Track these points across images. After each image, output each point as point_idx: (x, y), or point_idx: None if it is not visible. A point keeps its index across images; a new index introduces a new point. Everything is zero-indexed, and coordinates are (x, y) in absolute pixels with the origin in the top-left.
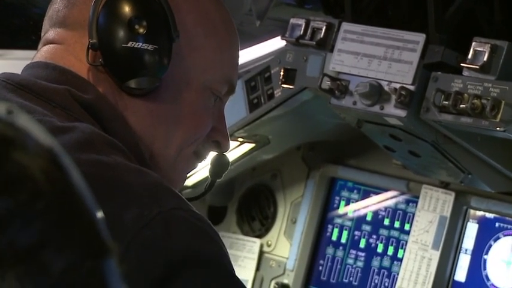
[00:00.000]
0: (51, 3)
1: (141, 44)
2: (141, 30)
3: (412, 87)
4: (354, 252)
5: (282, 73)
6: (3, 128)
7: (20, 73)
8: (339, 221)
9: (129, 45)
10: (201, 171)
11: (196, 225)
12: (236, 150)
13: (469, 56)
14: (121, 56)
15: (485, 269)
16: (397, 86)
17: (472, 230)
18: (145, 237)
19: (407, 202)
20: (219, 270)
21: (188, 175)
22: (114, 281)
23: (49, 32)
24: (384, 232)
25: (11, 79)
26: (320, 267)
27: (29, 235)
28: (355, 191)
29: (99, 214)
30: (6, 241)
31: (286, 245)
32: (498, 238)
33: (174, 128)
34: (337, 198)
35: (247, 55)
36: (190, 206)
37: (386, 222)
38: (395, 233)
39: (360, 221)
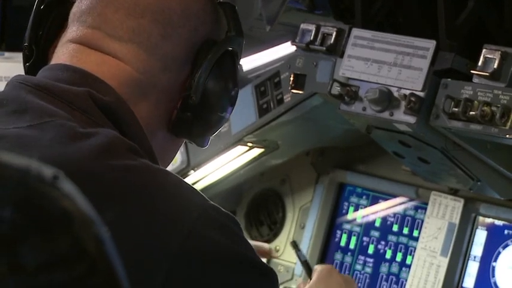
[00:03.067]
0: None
1: (228, 114)
2: (233, 103)
3: (421, 94)
4: (362, 258)
5: (291, 78)
6: (65, 202)
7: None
8: (347, 226)
9: (222, 115)
10: (212, 174)
11: (230, 223)
12: (245, 155)
13: (479, 63)
14: (209, 121)
15: (493, 276)
16: (407, 92)
17: (480, 237)
18: (193, 250)
19: (416, 208)
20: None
21: (197, 180)
22: None
23: (92, 35)
24: (392, 238)
25: (29, 81)
26: None
27: None
28: (364, 197)
29: None
30: None
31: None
32: (507, 245)
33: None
34: (346, 203)
35: (257, 60)
36: (216, 205)
37: (395, 228)
38: (403, 240)
39: (368, 227)
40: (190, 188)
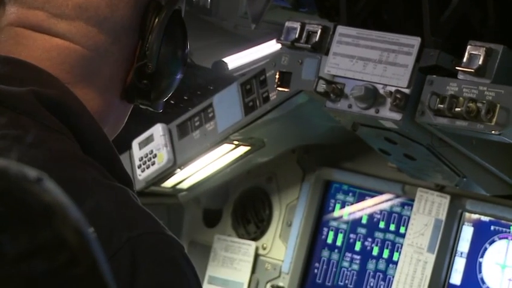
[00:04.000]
0: None
1: (181, 75)
2: (185, 62)
3: (407, 91)
4: (349, 255)
5: (277, 76)
6: (45, 196)
7: None
8: (334, 224)
9: (178, 76)
10: (196, 174)
11: (166, 254)
12: (231, 153)
13: (464, 59)
14: (167, 86)
15: (480, 272)
16: (393, 89)
17: (467, 233)
18: (112, 271)
19: (402, 205)
20: None
21: (184, 178)
22: None
23: (36, 16)
24: (379, 235)
25: None
26: (315, 270)
27: None
28: (350, 194)
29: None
30: None
31: (281, 247)
32: (493, 241)
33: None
34: (333, 201)
35: (242, 58)
36: (163, 227)
37: (382, 225)
38: (390, 236)
39: (355, 224)
40: (135, 210)
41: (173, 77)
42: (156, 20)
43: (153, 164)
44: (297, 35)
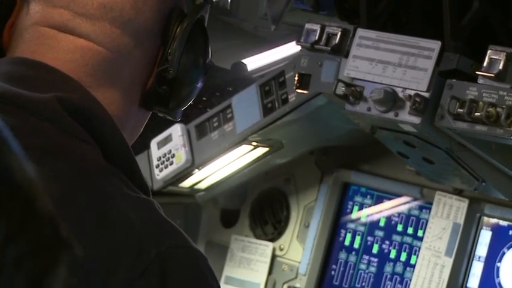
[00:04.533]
0: None
1: (201, 84)
2: (206, 71)
3: (426, 94)
4: (366, 257)
5: (296, 78)
6: None
7: None
8: (352, 226)
9: (197, 85)
10: (214, 175)
11: (193, 268)
12: (250, 154)
13: (484, 64)
14: (186, 94)
15: (498, 276)
16: (412, 92)
17: (485, 237)
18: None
19: (420, 208)
20: None
21: (202, 178)
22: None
23: (61, 16)
24: (397, 238)
25: None
26: (332, 272)
27: None
28: (368, 196)
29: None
30: None
31: (298, 249)
32: None
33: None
34: (351, 203)
35: (262, 60)
36: (188, 240)
37: (400, 228)
38: (408, 239)
39: (373, 226)
40: (161, 223)
41: (193, 85)
42: (179, 27)
43: (171, 164)
44: (316, 37)
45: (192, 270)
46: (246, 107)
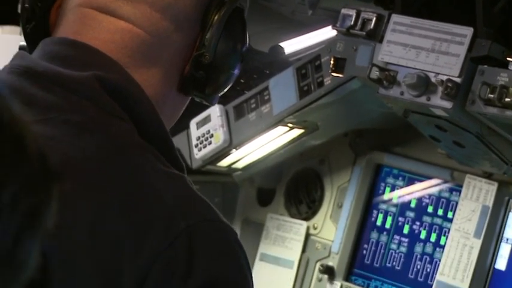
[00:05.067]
0: None
1: (237, 71)
2: (242, 59)
3: (458, 80)
4: (397, 237)
5: (332, 62)
6: None
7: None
8: (383, 206)
9: (233, 72)
10: (251, 155)
11: (222, 242)
12: (285, 135)
13: None
14: (222, 79)
15: None
16: (444, 78)
17: None
18: (168, 259)
19: (450, 191)
20: None
21: (239, 158)
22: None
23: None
24: (427, 219)
25: (33, 69)
26: (364, 251)
27: None
28: (400, 178)
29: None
30: None
31: (331, 228)
32: None
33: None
34: (383, 184)
35: (298, 43)
36: (218, 214)
37: (430, 209)
38: (438, 221)
39: (404, 207)
40: (192, 197)
41: (229, 71)
42: (218, 14)
43: (210, 143)
44: (352, 22)
45: (220, 244)
46: (282, 89)
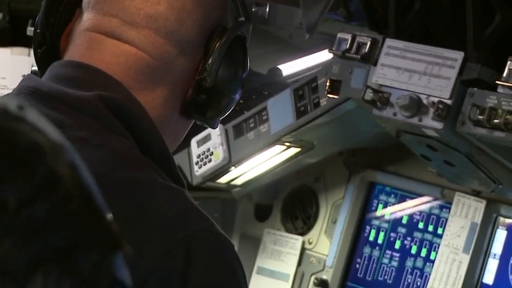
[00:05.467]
0: None
1: (238, 96)
2: (243, 85)
3: (449, 102)
4: (389, 252)
5: (328, 84)
6: (34, 134)
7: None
8: (376, 222)
9: (234, 96)
10: (249, 172)
11: (219, 253)
12: (283, 153)
13: (504, 74)
14: (223, 104)
15: None
16: (435, 99)
17: (501, 236)
18: (166, 269)
19: (441, 208)
20: None
21: (238, 175)
22: (123, 272)
23: (110, 23)
24: (418, 235)
25: (39, 89)
26: (357, 265)
27: (63, 236)
28: (392, 195)
29: (110, 215)
30: (42, 242)
31: (326, 243)
32: None
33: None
34: (376, 201)
35: (296, 66)
36: (216, 226)
37: (421, 225)
38: (428, 236)
39: (396, 223)
40: (190, 209)
41: (229, 96)
42: (219, 41)
43: (210, 161)
44: (347, 46)
45: (217, 255)
46: (280, 109)
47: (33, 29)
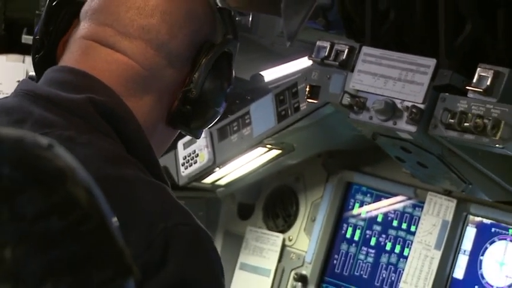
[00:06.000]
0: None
1: (222, 109)
2: (227, 99)
3: (422, 106)
4: (365, 249)
5: (307, 89)
6: (58, 162)
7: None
8: (353, 220)
9: (218, 109)
10: (235, 172)
11: (197, 245)
12: (264, 155)
13: (474, 80)
14: (207, 115)
15: (481, 268)
16: (409, 104)
17: (470, 233)
18: (145, 258)
19: (414, 206)
20: None
21: (222, 176)
22: None
23: (104, 32)
24: (392, 232)
25: (33, 91)
26: (335, 261)
27: (75, 252)
28: (368, 195)
29: (123, 241)
30: (56, 254)
31: (305, 240)
32: (493, 241)
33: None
34: (352, 200)
35: (277, 72)
36: (196, 220)
37: (395, 223)
38: (402, 234)
39: (371, 221)
40: (171, 203)
41: (213, 108)
42: (209, 55)
43: (195, 162)
44: (326, 53)
45: (194, 247)
46: (262, 113)
47: (28, 36)
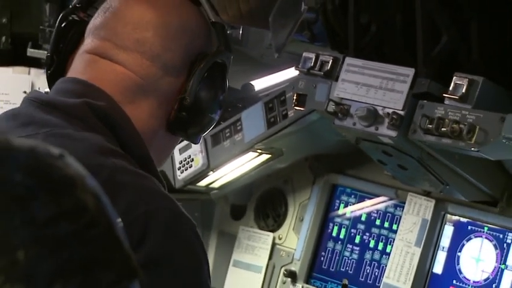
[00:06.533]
0: (113, 13)
1: (217, 116)
2: (221, 106)
3: (402, 112)
4: (350, 246)
5: (295, 97)
6: (69, 170)
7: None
8: (338, 220)
9: (212, 116)
10: (228, 175)
11: (176, 230)
12: (255, 160)
13: (451, 88)
14: (202, 122)
15: (458, 263)
16: (390, 111)
17: (448, 231)
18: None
19: (395, 206)
20: (185, 281)
21: (216, 179)
22: None
23: (104, 46)
24: (375, 231)
25: (38, 98)
26: (322, 258)
27: (83, 255)
28: (352, 196)
29: (128, 244)
30: (66, 256)
31: (294, 238)
32: (470, 239)
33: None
34: (338, 201)
35: (266, 82)
36: (179, 207)
37: (378, 222)
38: (384, 232)
39: (356, 220)
40: (155, 190)
41: (207, 115)
42: (202, 65)
43: (191, 166)
44: (312, 64)
45: (173, 230)
46: (253, 120)
47: (33, 50)
